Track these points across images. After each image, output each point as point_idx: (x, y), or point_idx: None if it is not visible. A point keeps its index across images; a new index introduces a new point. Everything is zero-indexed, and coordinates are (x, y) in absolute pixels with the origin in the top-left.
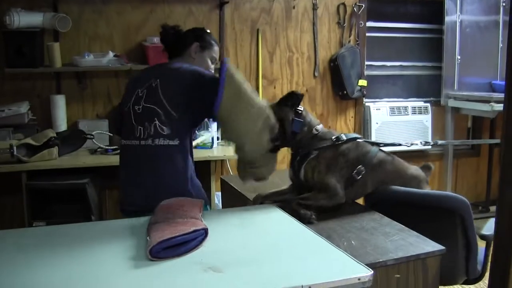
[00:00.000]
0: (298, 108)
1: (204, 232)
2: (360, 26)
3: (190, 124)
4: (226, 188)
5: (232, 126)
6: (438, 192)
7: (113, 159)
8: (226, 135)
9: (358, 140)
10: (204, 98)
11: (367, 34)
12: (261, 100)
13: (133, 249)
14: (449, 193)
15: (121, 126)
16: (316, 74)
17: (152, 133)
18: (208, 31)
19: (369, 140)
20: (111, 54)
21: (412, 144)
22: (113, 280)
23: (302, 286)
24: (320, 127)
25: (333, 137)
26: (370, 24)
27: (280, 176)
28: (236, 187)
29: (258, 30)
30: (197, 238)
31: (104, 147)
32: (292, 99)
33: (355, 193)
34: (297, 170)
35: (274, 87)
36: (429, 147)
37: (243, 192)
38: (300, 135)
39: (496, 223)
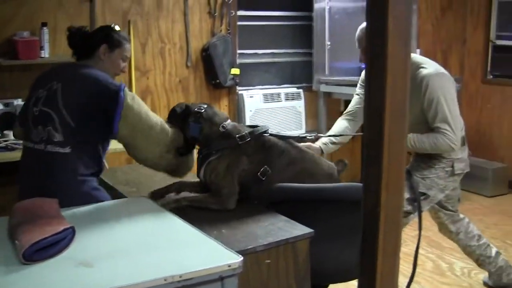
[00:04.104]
0: (198, 109)
1: (72, 231)
2: (231, 15)
3: (91, 134)
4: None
5: (136, 147)
6: (343, 184)
7: None
8: (131, 155)
9: (264, 135)
10: (107, 110)
11: (238, 23)
12: (160, 120)
13: (3, 250)
14: (356, 183)
15: (23, 123)
16: (189, 64)
17: (44, 138)
18: (117, 28)
19: (277, 134)
20: None
21: (319, 136)
22: None
23: (172, 276)
24: (228, 123)
25: (238, 136)
26: (241, 13)
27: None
28: (108, 181)
29: (129, 21)
30: (68, 236)
31: None
32: (183, 112)
33: (260, 195)
34: (198, 169)
35: (147, 78)
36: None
37: (115, 186)
38: (203, 135)
39: (364, 201)
